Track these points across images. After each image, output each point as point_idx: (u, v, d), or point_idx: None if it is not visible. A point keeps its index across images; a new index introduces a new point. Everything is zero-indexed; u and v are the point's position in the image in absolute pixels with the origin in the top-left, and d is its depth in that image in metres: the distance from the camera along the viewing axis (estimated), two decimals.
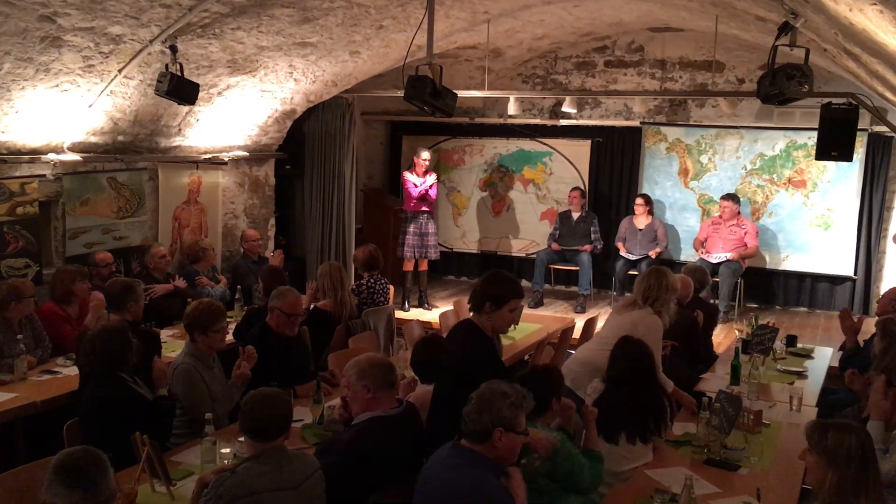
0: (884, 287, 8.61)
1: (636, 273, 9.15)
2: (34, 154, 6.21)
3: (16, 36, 4.93)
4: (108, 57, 5.68)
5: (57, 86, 5.67)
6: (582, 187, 9.90)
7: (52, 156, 6.32)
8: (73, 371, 4.87)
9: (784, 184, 9.34)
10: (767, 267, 9.46)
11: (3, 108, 5.57)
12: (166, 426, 3.93)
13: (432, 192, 9.02)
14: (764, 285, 9.55)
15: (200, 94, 6.30)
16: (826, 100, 6.48)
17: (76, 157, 6.51)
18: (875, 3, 3.14)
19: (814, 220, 9.25)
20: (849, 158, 6.50)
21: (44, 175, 6.38)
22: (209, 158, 8.00)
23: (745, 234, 8.90)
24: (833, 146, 6.27)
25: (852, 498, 2.79)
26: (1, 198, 6.03)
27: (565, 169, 10.29)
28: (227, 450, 3.68)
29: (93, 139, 6.58)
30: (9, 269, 6.10)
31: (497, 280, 3.84)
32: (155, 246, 7.06)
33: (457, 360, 3.81)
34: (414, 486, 3.13)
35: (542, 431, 3.45)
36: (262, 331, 4.87)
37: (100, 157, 6.80)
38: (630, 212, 9.57)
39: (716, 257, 8.85)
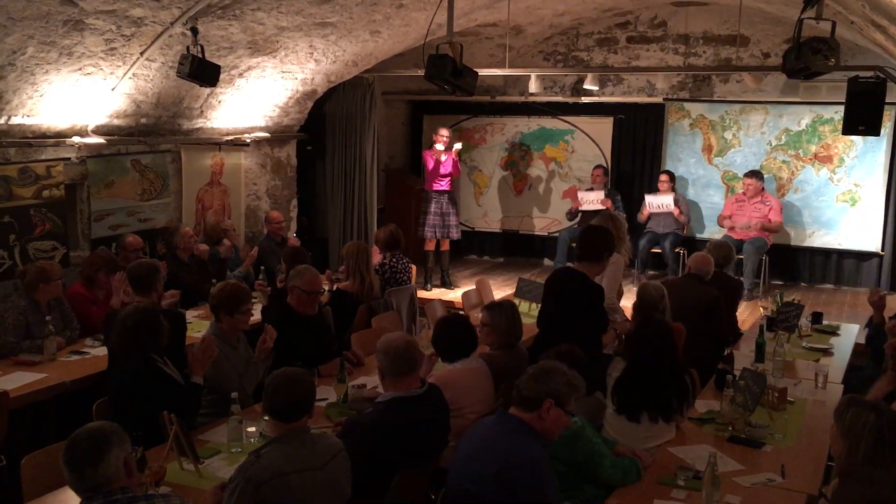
0: None
1: (660, 251, 9.14)
2: (59, 137, 6.27)
3: (39, 20, 4.97)
4: (129, 40, 5.70)
5: (80, 69, 5.71)
6: (604, 165, 9.83)
7: (76, 139, 6.38)
8: (102, 351, 4.94)
9: (810, 159, 9.21)
10: (793, 243, 9.36)
11: (28, 92, 5.62)
12: (194, 407, 3.95)
13: (450, 166, 8.85)
14: (789, 262, 9.45)
15: (221, 76, 6.31)
16: (853, 73, 6.37)
17: (100, 139, 6.56)
18: None
19: (840, 196, 9.12)
20: (876, 133, 6.41)
21: (69, 158, 6.45)
22: (231, 140, 8.04)
23: (770, 210, 8.80)
24: (860, 120, 6.18)
25: (863, 469, 2.83)
26: (27, 181, 6.11)
27: (587, 147, 10.21)
28: (253, 428, 3.73)
29: (116, 122, 6.63)
30: (36, 252, 6.18)
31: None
32: (182, 226, 7.11)
33: None
34: (436, 466, 3.15)
35: None
36: (283, 311, 4.90)
37: (123, 140, 6.86)
38: (653, 189, 9.48)
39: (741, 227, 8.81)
